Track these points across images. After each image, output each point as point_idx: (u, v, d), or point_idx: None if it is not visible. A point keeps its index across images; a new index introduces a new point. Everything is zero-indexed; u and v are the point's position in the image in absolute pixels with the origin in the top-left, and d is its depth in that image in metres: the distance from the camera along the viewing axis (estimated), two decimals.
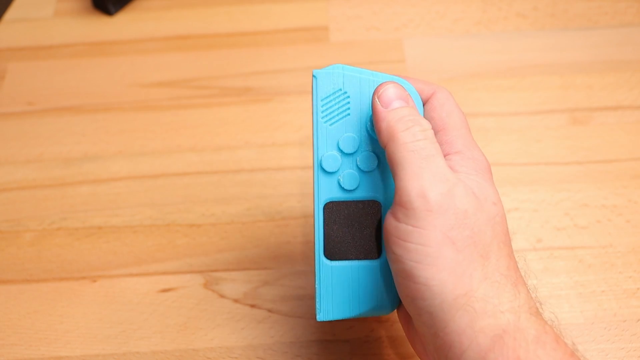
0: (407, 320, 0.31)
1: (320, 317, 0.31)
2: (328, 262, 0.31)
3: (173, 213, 0.46)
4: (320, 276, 0.31)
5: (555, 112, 0.50)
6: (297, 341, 0.40)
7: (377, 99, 0.29)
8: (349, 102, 0.31)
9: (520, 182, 0.46)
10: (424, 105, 0.32)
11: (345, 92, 0.31)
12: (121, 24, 0.58)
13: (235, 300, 0.42)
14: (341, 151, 0.31)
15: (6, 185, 0.48)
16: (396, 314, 0.34)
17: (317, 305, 0.31)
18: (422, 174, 0.26)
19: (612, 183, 0.46)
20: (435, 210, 0.26)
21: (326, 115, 0.31)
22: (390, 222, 0.28)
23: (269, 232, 0.45)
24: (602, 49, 0.54)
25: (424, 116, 0.31)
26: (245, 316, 0.41)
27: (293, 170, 0.48)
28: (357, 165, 0.31)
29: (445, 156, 0.29)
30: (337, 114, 0.31)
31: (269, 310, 0.41)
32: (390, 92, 0.29)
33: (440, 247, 0.26)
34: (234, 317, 0.41)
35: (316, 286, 0.31)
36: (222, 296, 0.42)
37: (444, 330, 0.26)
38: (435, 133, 0.30)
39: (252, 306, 0.42)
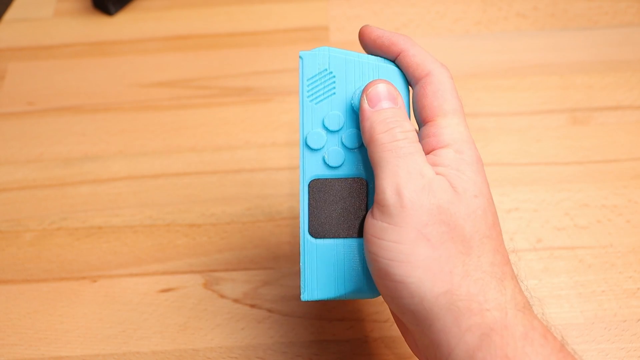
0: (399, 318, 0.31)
1: (304, 296, 0.31)
2: (312, 239, 0.31)
3: (173, 213, 0.46)
4: (304, 254, 0.31)
5: (555, 112, 0.50)
6: (297, 341, 0.40)
7: (365, 97, 0.29)
8: (334, 82, 0.31)
9: (520, 182, 0.47)
10: (416, 84, 0.30)
11: (331, 72, 0.31)
12: (121, 24, 0.58)
13: (235, 300, 0.42)
14: (326, 128, 0.31)
15: (6, 185, 0.48)
16: (391, 313, 0.34)
17: (302, 285, 0.31)
18: (398, 172, 0.27)
19: (612, 183, 0.46)
20: (408, 207, 0.26)
21: (312, 95, 0.31)
22: (367, 220, 0.28)
23: (269, 232, 0.45)
24: (602, 49, 0.54)
25: (414, 101, 0.30)
26: (245, 316, 0.41)
27: (293, 170, 0.48)
28: (342, 142, 0.31)
29: (432, 150, 0.28)
30: (323, 93, 0.31)
31: (269, 310, 0.41)
32: (379, 90, 0.29)
33: (414, 244, 0.26)
34: (234, 317, 0.41)
35: (301, 265, 0.31)
36: (222, 296, 0.42)
37: (430, 329, 0.26)
38: (425, 123, 0.29)
39: (252, 306, 0.42)
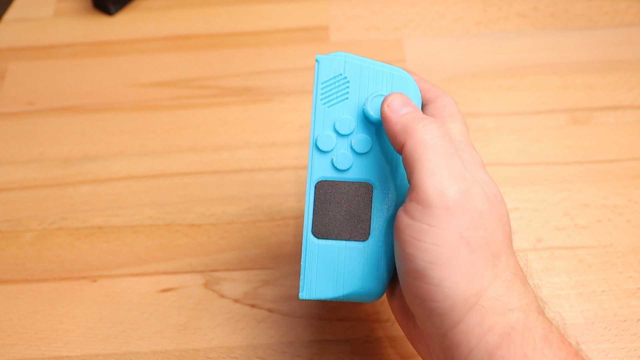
0: (406, 320, 0.31)
1: (303, 295, 0.31)
2: (315, 239, 0.31)
3: (173, 213, 0.46)
4: (306, 253, 0.31)
5: (555, 112, 0.50)
6: (297, 341, 0.40)
7: (386, 107, 0.29)
8: (348, 87, 0.31)
9: (520, 182, 0.47)
10: (426, 106, 0.32)
11: (346, 77, 0.31)
12: (121, 24, 0.58)
13: (236, 300, 0.42)
14: (337, 132, 0.31)
15: (6, 185, 0.48)
16: (393, 314, 0.34)
17: (301, 283, 0.31)
18: (441, 172, 0.26)
19: (612, 183, 0.46)
20: (452, 210, 0.26)
21: (325, 98, 0.31)
22: (403, 219, 0.27)
23: (269, 232, 0.45)
24: (602, 49, 0.54)
25: (424, 113, 0.32)
26: (245, 316, 0.41)
27: (293, 170, 0.48)
28: (351, 147, 0.31)
29: None
30: (336, 97, 0.31)
31: (269, 310, 0.41)
32: (398, 100, 0.29)
33: (454, 248, 0.25)
34: (234, 317, 0.41)
35: (302, 264, 0.31)
36: (222, 296, 0.42)
37: (453, 331, 0.26)
38: None
39: (252, 306, 0.42)
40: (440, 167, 0.26)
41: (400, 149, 0.28)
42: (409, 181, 0.27)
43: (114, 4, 0.58)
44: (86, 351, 0.40)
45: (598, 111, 0.50)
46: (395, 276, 0.32)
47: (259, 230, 0.45)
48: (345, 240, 0.31)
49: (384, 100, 0.30)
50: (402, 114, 0.29)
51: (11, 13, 0.60)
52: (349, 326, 0.41)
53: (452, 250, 0.25)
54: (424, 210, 0.26)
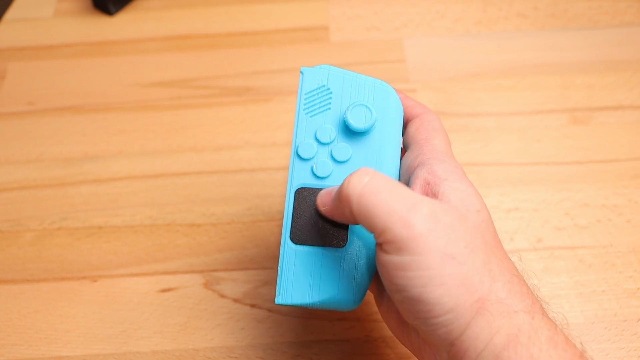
0: (406, 332, 0.30)
1: (278, 299, 0.31)
2: (293, 245, 0.32)
3: (173, 213, 0.46)
4: (283, 259, 0.31)
5: (555, 112, 0.50)
6: (297, 341, 0.40)
7: (320, 204, 0.31)
8: (330, 98, 0.32)
9: (520, 182, 0.47)
10: (410, 121, 0.33)
11: (329, 89, 0.32)
12: (121, 24, 0.58)
13: (235, 300, 0.42)
14: (318, 140, 0.32)
15: (6, 185, 0.48)
16: (389, 328, 0.33)
17: (277, 288, 0.31)
18: (394, 208, 0.26)
19: (612, 183, 0.46)
20: (425, 234, 0.26)
21: (308, 108, 0.32)
22: (383, 257, 0.27)
23: (269, 232, 0.45)
24: (602, 49, 0.54)
25: (408, 127, 0.33)
26: (245, 316, 0.41)
27: None
28: (331, 155, 0.32)
29: (428, 159, 0.30)
30: (319, 107, 0.32)
31: (269, 310, 0.41)
32: (324, 193, 0.31)
33: (442, 267, 0.25)
34: (234, 317, 0.41)
35: (279, 269, 0.32)
36: (222, 296, 0.42)
37: (460, 338, 0.26)
38: (418, 140, 0.31)
39: (252, 306, 0.42)
40: (389, 204, 0.26)
41: (351, 215, 0.28)
42: (373, 229, 0.27)
43: (114, 4, 0.58)
44: (86, 351, 0.40)
45: (598, 111, 0.50)
46: (385, 293, 0.32)
47: (259, 230, 0.45)
48: (323, 246, 0.31)
49: (317, 205, 0.31)
50: (330, 201, 0.30)
51: (11, 13, 0.60)
52: (349, 326, 0.41)
53: (441, 269, 0.25)
54: (398, 245, 0.26)
